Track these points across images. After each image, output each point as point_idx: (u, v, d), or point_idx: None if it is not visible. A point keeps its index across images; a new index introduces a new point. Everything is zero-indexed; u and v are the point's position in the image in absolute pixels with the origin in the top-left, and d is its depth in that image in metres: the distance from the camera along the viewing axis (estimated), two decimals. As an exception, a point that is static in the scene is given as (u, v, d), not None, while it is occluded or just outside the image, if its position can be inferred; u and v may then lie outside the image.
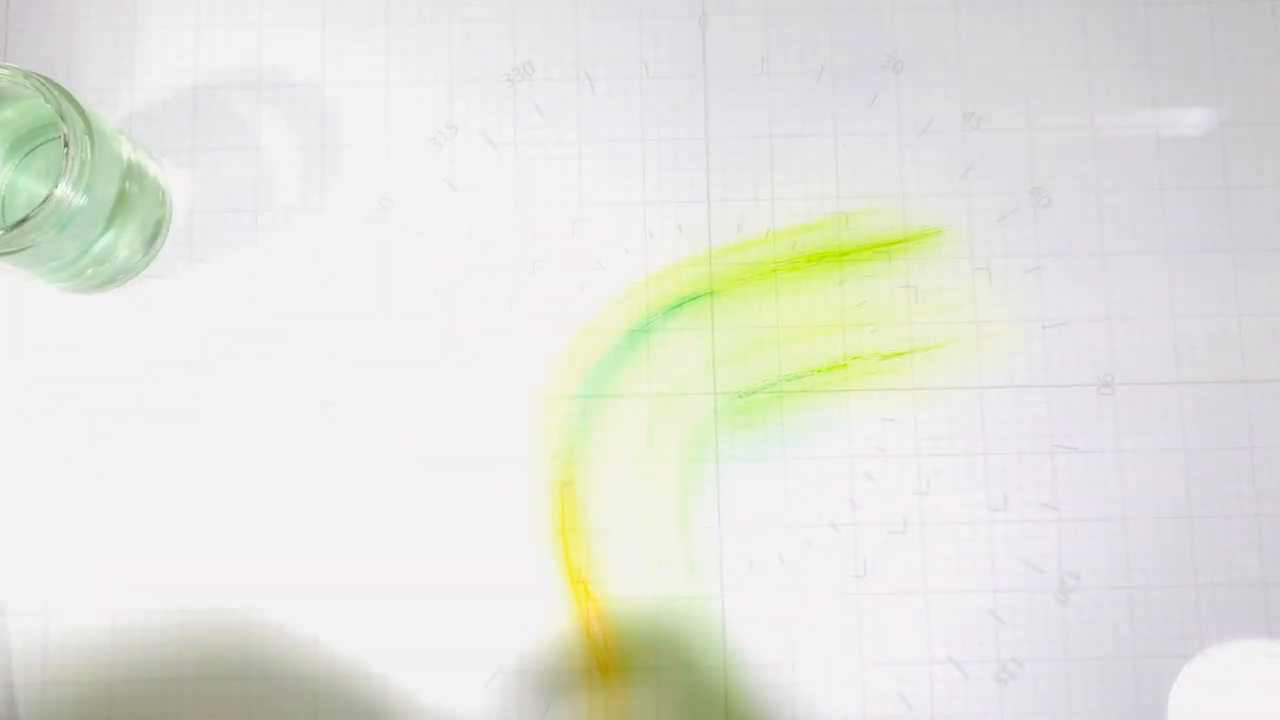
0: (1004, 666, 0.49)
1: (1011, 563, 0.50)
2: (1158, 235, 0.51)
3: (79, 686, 0.48)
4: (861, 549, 0.50)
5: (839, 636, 0.49)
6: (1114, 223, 0.51)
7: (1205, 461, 0.50)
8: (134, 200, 0.47)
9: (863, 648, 0.49)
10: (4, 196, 0.48)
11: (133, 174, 0.47)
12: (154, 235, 0.50)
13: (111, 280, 0.50)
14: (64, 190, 0.42)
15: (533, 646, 0.49)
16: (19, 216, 0.42)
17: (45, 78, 0.43)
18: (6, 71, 0.43)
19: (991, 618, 0.49)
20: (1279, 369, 0.51)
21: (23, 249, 0.43)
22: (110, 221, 0.46)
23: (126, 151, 0.47)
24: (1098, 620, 0.49)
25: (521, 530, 0.50)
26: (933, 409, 0.50)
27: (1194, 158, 0.52)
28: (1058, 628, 0.49)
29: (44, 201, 0.42)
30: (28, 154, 0.48)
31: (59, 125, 0.42)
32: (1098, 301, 0.51)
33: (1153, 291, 0.51)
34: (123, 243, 0.48)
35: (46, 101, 0.43)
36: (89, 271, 0.48)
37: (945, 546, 0.50)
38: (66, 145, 0.42)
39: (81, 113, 0.43)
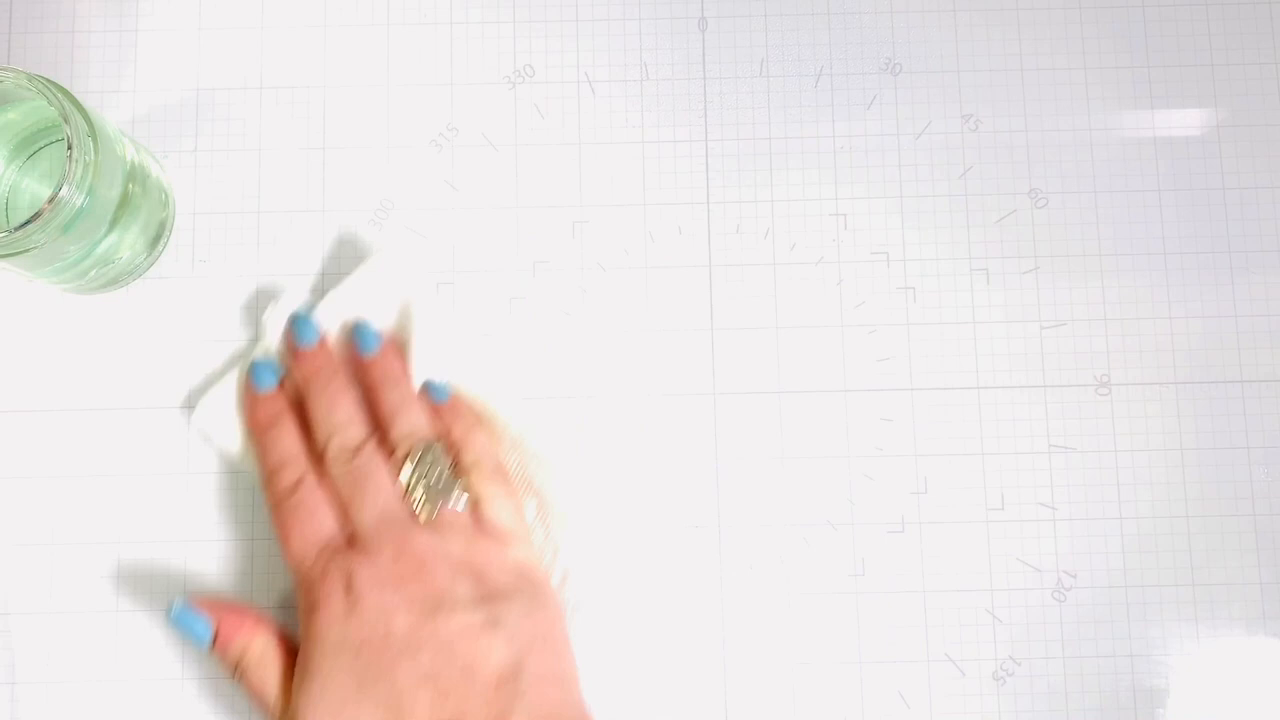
0: (1002, 665, 0.49)
1: (1009, 562, 0.50)
2: (1154, 236, 0.52)
3: (81, 685, 0.49)
4: (860, 548, 0.50)
5: (838, 636, 0.49)
6: (1111, 224, 0.52)
7: (1202, 461, 0.50)
8: (136, 202, 0.47)
9: (861, 647, 0.49)
10: (7, 198, 0.48)
11: (135, 176, 0.47)
12: (156, 237, 0.50)
13: (114, 281, 0.50)
14: (67, 192, 0.42)
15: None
16: (23, 218, 0.42)
17: (48, 80, 0.43)
18: (10, 74, 0.43)
19: (989, 617, 0.49)
20: (1275, 369, 0.51)
21: (26, 250, 0.43)
22: (113, 223, 0.46)
23: (129, 153, 0.47)
24: (1095, 619, 0.49)
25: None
26: (931, 409, 0.51)
27: (1191, 159, 0.52)
28: (1055, 627, 0.49)
29: (48, 203, 0.42)
30: (31, 156, 0.48)
31: (62, 127, 0.42)
32: (1095, 302, 0.51)
33: (1150, 292, 0.51)
34: (125, 244, 0.48)
35: (50, 104, 0.43)
36: (92, 273, 0.48)
37: (943, 546, 0.50)
38: (70, 147, 0.42)
39: (84, 115, 0.43)
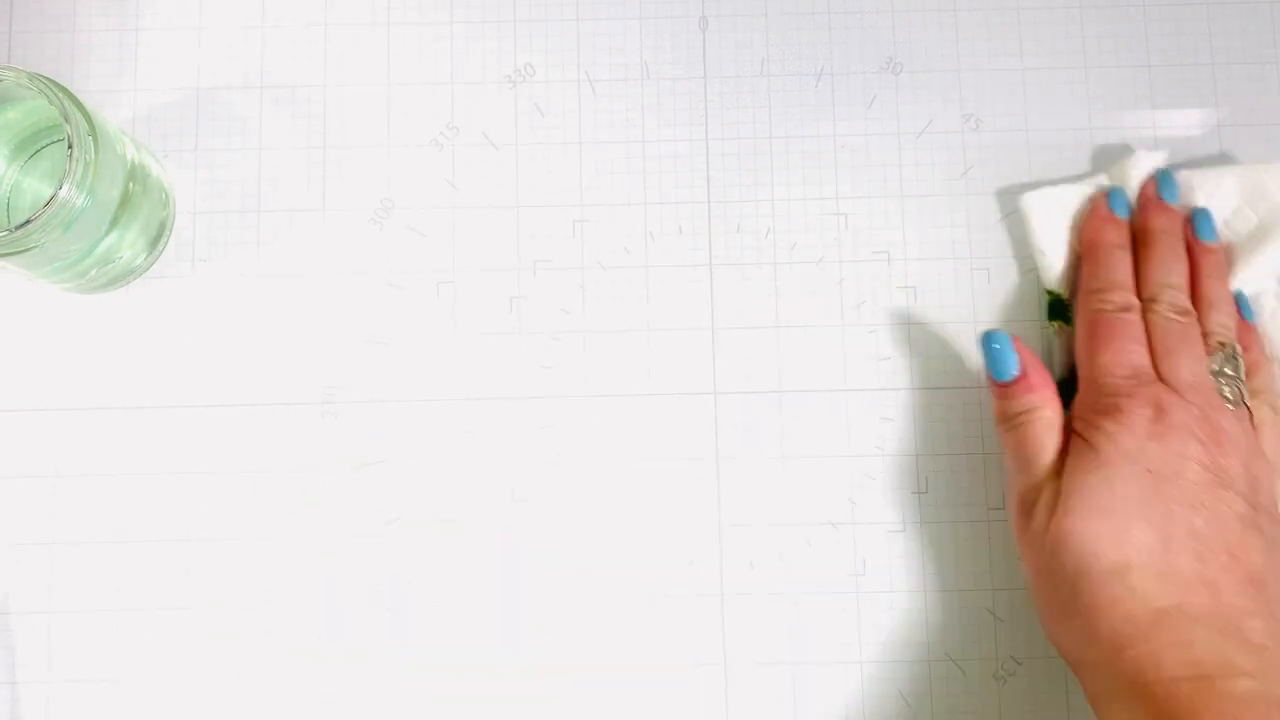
0: (1003, 665, 0.49)
1: (1010, 561, 0.50)
2: (1155, 236, 0.52)
3: (82, 685, 0.49)
4: (861, 548, 0.50)
5: (838, 636, 0.49)
6: (1112, 223, 0.52)
7: (1203, 461, 0.50)
8: (137, 201, 0.47)
9: (862, 646, 0.49)
10: (8, 198, 0.48)
11: (136, 175, 0.47)
12: (157, 236, 0.50)
13: (115, 281, 0.50)
14: (68, 191, 0.42)
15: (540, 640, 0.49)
16: (23, 218, 0.42)
17: (49, 79, 0.43)
18: (10, 73, 0.43)
19: (990, 616, 0.49)
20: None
21: (27, 250, 0.43)
22: (113, 222, 0.46)
23: (130, 152, 0.47)
24: (1096, 619, 0.49)
25: (525, 532, 0.50)
26: (931, 408, 0.51)
27: (1192, 159, 0.52)
28: (1056, 626, 0.49)
29: (48, 202, 0.42)
30: (32, 155, 0.48)
31: (63, 127, 0.43)
32: (1096, 302, 0.51)
33: (1150, 292, 0.51)
34: (126, 244, 0.48)
35: (50, 103, 0.43)
36: (92, 272, 0.48)
37: (944, 545, 0.50)
38: (70, 147, 0.42)
39: (85, 114, 0.43)
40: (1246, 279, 0.49)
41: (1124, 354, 0.45)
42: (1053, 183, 0.51)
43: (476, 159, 0.52)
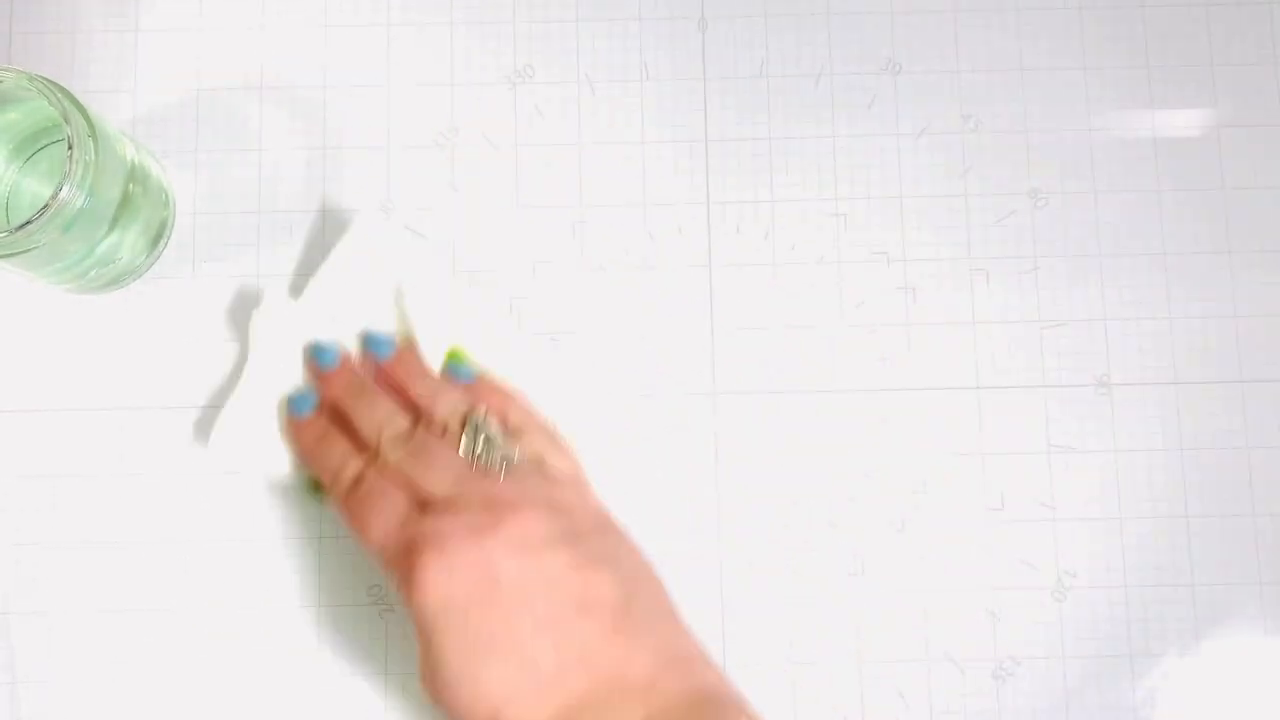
0: (1001, 665, 0.49)
1: (1009, 562, 0.50)
2: (1154, 236, 0.52)
3: (81, 685, 0.49)
4: (860, 548, 0.50)
5: (838, 636, 0.49)
6: (1111, 224, 0.52)
7: (1201, 461, 0.50)
8: (137, 202, 0.47)
9: (861, 646, 0.49)
10: (8, 198, 0.48)
11: (136, 176, 0.47)
12: (157, 237, 0.50)
13: (115, 281, 0.50)
14: (68, 192, 0.42)
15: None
16: (23, 218, 0.42)
17: (49, 80, 0.43)
18: (11, 74, 0.43)
19: (989, 616, 0.49)
20: (1275, 369, 0.51)
21: (27, 250, 0.43)
22: (114, 223, 0.46)
23: (130, 153, 0.47)
24: (1094, 619, 0.49)
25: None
26: (931, 409, 0.51)
27: (1191, 159, 0.52)
28: (1055, 626, 0.49)
29: (48, 203, 0.42)
30: (31, 156, 0.48)
31: (63, 127, 0.43)
32: (1095, 302, 0.51)
33: (1149, 293, 0.51)
34: (126, 244, 0.48)
35: (50, 104, 0.43)
36: (92, 273, 0.48)
37: (943, 546, 0.50)
38: (70, 147, 0.42)
39: (85, 115, 0.43)
40: (432, 339, 0.47)
41: (383, 516, 0.43)
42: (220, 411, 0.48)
43: (476, 159, 0.52)
